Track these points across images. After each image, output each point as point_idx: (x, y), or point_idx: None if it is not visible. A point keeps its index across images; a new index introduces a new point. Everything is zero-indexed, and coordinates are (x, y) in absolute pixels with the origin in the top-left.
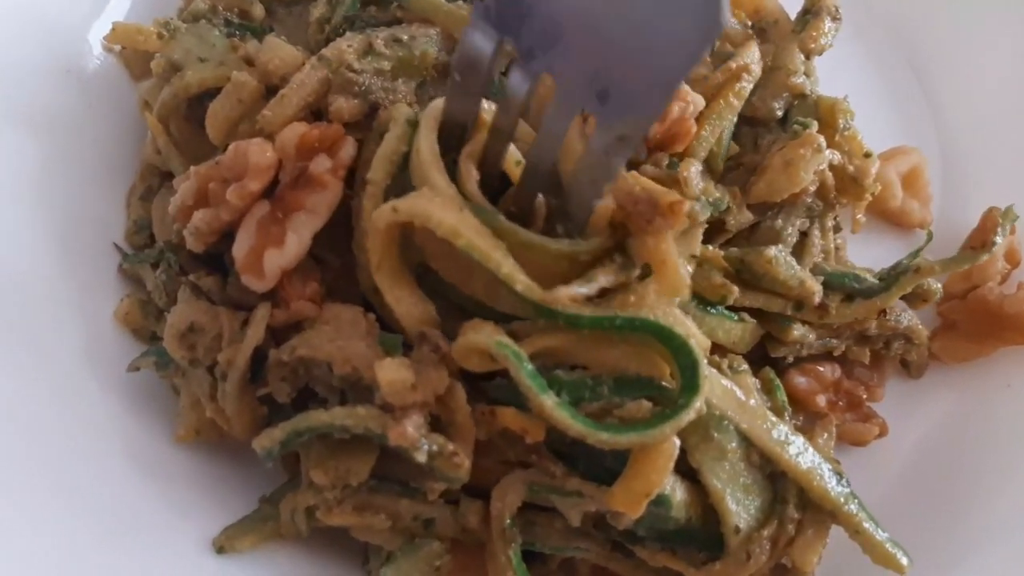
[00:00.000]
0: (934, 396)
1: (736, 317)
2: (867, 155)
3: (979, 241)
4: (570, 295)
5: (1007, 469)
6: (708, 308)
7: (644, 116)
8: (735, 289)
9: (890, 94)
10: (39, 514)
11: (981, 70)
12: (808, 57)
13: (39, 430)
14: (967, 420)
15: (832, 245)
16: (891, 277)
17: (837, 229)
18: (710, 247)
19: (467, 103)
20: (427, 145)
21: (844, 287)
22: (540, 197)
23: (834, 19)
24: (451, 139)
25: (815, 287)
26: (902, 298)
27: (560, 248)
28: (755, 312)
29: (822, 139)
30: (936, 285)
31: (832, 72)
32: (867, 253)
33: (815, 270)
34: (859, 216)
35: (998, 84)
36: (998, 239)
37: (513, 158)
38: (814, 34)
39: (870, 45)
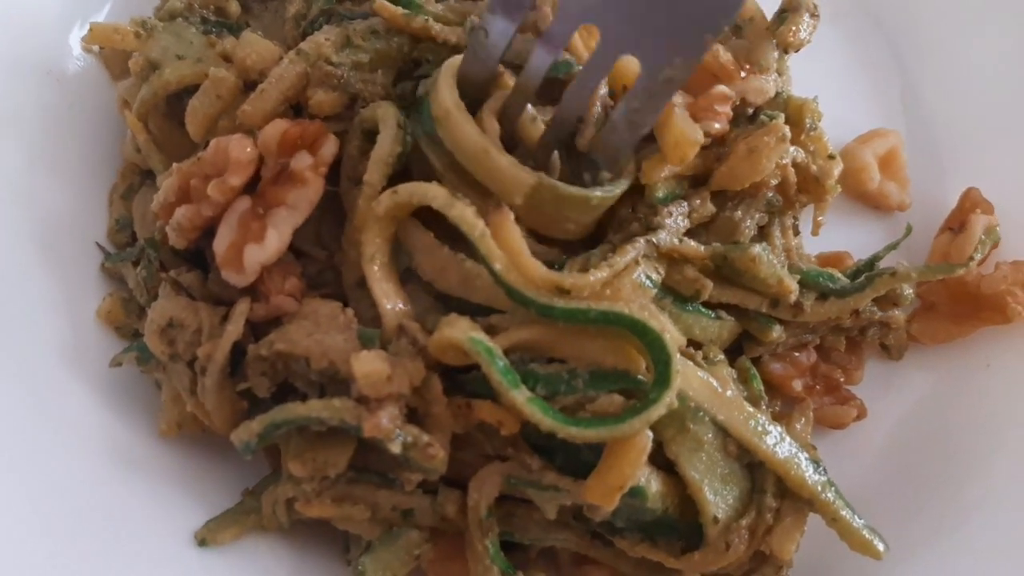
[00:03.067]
0: (913, 377)
1: (713, 315)
2: (831, 157)
3: (957, 222)
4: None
5: (985, 449)
6: (685, 305)
7: (691, 57)
8: (709, 284)
9: (867, 76)
10: (21, 509)
11: (959, 51)
12: (787, 52)
13: (21, 426)
14: (946, 400)
15: (792, 243)
16: (866, 279)
17: (796, 232)
18: (690, 242)
19: (487, 64)
20: (451, 97)
21: (819, 286)
22: (556, 154)
23: (812, 15)
24: (463, 97)
25: (792, 286)
26: (872, 300)
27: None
28: (731, 309)
29: (787, 129)
30: (909, 291)
31: (809, 55)
32: (845, 236)
33: (791, 268)
34: (820, 218)
35: (976, 65)
36: (977, 255)
37: (528, 116)
38: (793, 28)
39: (847, 28)
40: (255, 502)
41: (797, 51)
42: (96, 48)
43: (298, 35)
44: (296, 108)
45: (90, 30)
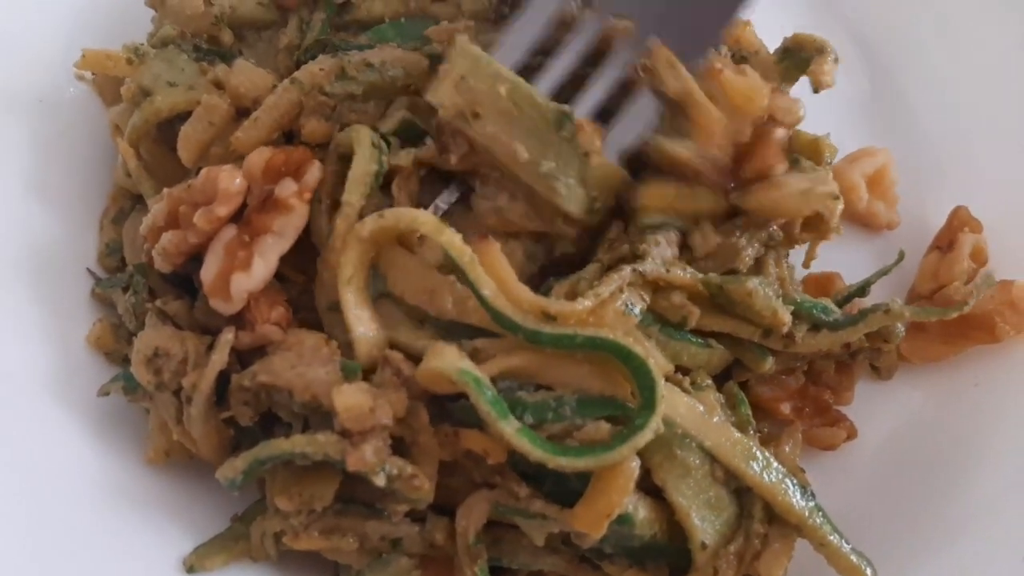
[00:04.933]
0: (903, 396)
1: (703, 343)
2: (835, 198)
3: (946, 241)
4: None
5: (975, 468)
6: (674, 333)
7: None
8: (696, 310)
9: (856, 94)
10: (9, 536)
11: (949, 69)
12: (816, 91)
13: (10, 452)
14: (936, 419)
15: (785, 273)
16: (859, 314)
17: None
18: (685, 271)
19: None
20: None
21: (812, 317)
22: None
23: (836, 60)
24: None
25: (786, 318)
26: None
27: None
28: (723, 337)
29: (835, 186)
30: (900, 328)
31: None
32: (834, 256)
33: (785, 299)
34: (814, 254)
35: (966, 83)
36: (972, 300)
37: None
38: (825, 68)
39: (835, 47)
40: (244, 528)
41: (822, 90)
42: (88, 75)
43: (292, 64)
44: (288, 136)
45: (83, 56)
